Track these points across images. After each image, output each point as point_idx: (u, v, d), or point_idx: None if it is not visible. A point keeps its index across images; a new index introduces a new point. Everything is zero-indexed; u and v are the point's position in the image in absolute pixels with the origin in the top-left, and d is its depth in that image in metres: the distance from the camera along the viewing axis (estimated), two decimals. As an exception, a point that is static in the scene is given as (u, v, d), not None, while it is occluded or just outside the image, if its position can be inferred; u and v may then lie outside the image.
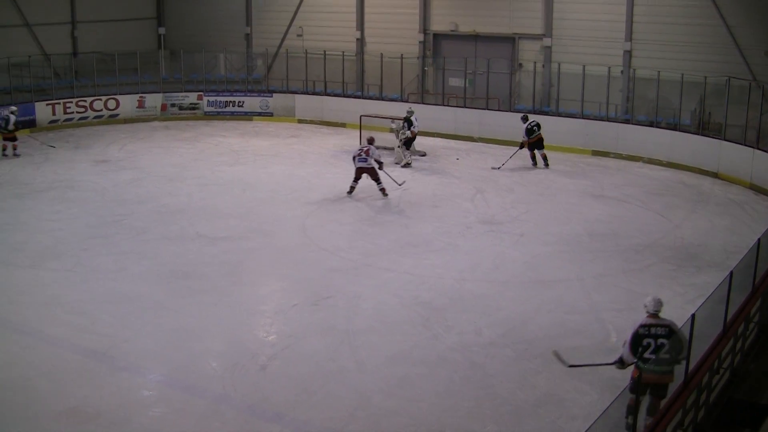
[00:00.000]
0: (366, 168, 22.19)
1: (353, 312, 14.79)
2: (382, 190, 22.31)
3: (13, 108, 28.05)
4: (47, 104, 32.42)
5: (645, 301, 10.35)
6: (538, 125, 26.08)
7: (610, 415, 9.06)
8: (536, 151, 26.30)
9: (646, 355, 9.92)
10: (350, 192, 22.52)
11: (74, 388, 12.02)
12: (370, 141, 22.99)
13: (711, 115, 27.12)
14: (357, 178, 22.42)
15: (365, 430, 10.91)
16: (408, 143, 26.91)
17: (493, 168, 25.82)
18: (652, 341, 10.01)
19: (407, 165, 26.44)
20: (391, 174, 22.99)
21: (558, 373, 12.38)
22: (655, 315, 10.20)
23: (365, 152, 22.22)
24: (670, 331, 10.08)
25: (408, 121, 26.80)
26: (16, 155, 27.03)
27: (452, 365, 12.78)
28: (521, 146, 26.09)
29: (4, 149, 27.12)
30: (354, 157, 22.37)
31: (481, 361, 12.93)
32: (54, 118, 32.47)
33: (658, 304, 10.29)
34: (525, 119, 26.37)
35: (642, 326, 10.14)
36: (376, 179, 22.27)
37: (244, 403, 11.65)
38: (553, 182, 24.48)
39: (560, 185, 24.04)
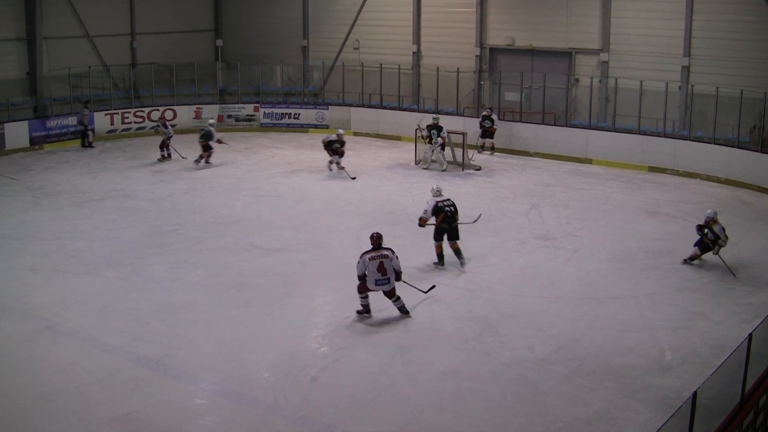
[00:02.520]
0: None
1: (406, 325, 14.78)
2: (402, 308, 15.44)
3: (212, 120, 29.68)
4: (105, 114, 33.00)
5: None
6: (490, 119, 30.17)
7: (664, 435, 8.94)
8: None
9: None
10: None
11: (127, 395, 12.14)
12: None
13: (771, 131, 26.73)
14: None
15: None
16: (443, 147, 27.92)
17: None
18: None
19: (445, 170, 27.61)
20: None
21: (611, 391, 12.29)
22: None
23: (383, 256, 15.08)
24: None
25: (437, 128, 27.76)
26: (208, 164, 28.28)
27: (504, 381, 12.69)
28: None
29: (201, 158, 28.32)
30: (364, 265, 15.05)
31: (533, 377, 12.83)
32: (112, 127, 33.02)
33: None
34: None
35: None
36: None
37: (295, 415, 11.67)
38: (609, 198, 24.25)
39: (616, 201, 23.82)
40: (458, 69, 32.87)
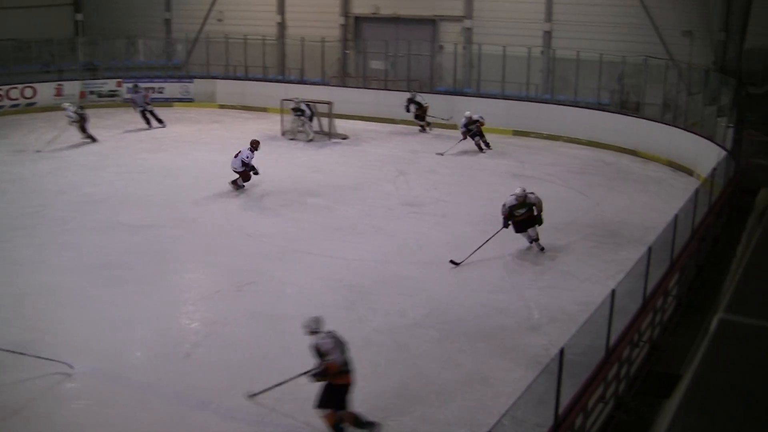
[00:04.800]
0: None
1: (278, 297, 14.78)
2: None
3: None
4: (-40, 93, 31.78)
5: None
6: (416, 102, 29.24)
7: (535, 391, 9.20)
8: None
9: None
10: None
11: (-6, 382, 11.83)
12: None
13: (629, 94, 27.64)
14: None
15: (293, 415, 10.88)
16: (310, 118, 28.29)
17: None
18: None
19: (312, 140, 28.02)
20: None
21: (483, 352, 12.56)
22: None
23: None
24: None
25: (300, 111, 28.09)
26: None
27: (378, 347, 12.85)
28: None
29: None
30: None
31: (406, 342, 13.01)
32: (-32, 107, 31.87)
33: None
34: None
35: None
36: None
37: (171, 392, 11.56)
38: (475, 163, 24.69)
39: (482, 165, 24.26)
40: (323, 39, 32.89)
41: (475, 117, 25.98)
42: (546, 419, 9.15)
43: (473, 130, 26.01)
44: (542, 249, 17.13)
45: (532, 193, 17.03)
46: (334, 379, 10.30)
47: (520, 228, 17.13)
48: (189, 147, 26.96)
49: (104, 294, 14.91)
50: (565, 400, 9.42)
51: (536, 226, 17.07)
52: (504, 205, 17.03)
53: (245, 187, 21.49)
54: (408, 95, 29.27)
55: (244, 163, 21.27)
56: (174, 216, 19.44)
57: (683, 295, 14.42)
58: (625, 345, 10.99)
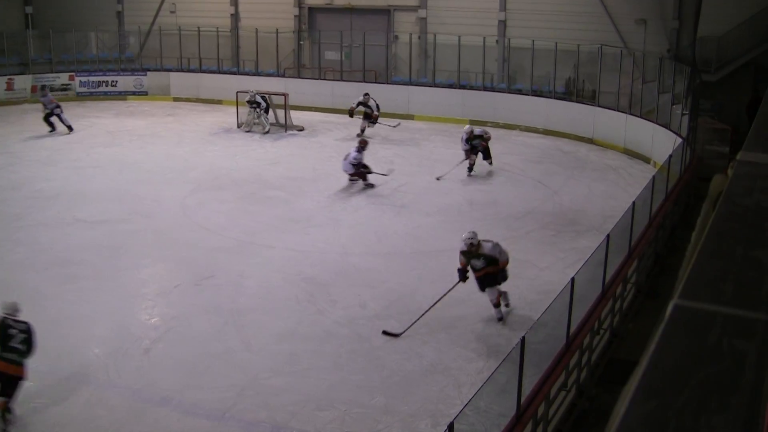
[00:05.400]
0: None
1: (237, 291, 14.67)
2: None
3: None
4: None
5: None
6: (368, 105, 26.96)
7: (497, 380, 9.22)
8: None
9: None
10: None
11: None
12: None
13: (585, 82, 27.78)
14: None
15: (254, 409, 10.82)
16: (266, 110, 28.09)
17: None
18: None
19: (268, 132, 27.74)
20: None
21: (444, 342, 12.56)
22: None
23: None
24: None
25: (255, 103, 27.86)
26: None
27: (339, 339, 12.81)
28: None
29: None
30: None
31: (367, 333, 12.97)
32: None
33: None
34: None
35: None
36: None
37: (130, 389, 11.43)
38: (432, 153, 24.70)
39: (439, 156, 24.26)
40: (277, 30, 32.68)
41: (477, 131, 22.15)
42: (508, 408, 9.19)
43: (477, 146, 22.06)
44: (500, 319, 13.39)
45: (489, 241, 13.33)
46: None
47: (480, 285, 13.40)
48: (144, 141, 26.70)
49: (61, 291, 14.69)
50: (527, 389, 9.46)
51: (498, 284, 13.32)
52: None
53: (374, 185, 21.04)
54: (360, 99, 27.27)
55: (353, 165, 20.82)
56: (130, 211, 19.22)
57: (642, 282, 14.55)
58: (586, 333, 11.06)
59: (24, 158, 24.38)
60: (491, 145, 22.34)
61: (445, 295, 13.25)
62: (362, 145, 21.17)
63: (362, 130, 26.81)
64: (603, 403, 10.54)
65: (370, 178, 20.92)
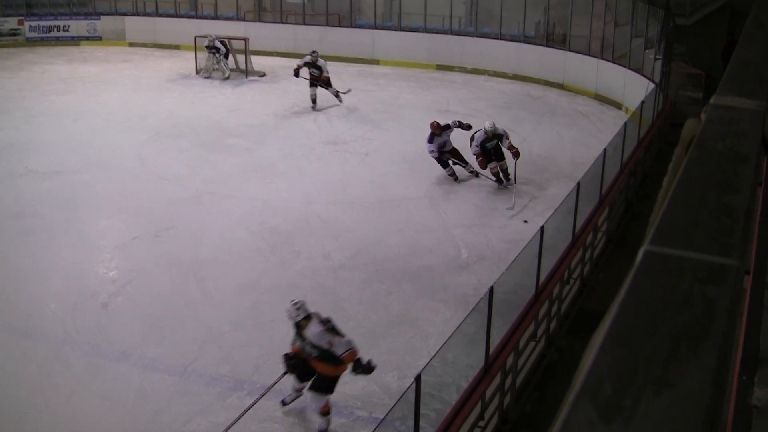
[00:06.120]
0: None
1: (197, 242, 14.31)
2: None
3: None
4: None
5: None
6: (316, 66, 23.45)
7: (464, 332, 9.03)
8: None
9: None
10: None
11: None
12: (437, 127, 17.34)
13: (555, 26, 27.44)
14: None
15: (216, 364, 10.56)
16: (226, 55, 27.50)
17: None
18: None
19: (228, 78, 27.23)
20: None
21: (410, 293, 12.37)
22: None
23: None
24: None
25: (215, 48, 27.29)
26: None
27: (303, 291, 12.47)
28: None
29: None
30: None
31: (331, 285, 12.73)
32: None
33: None
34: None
35: None
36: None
37: (88, 345, 11.11)
38: (398, 99, 24.36)
39: (405, 102, 23.94)
40: (237, -28, 32.02)
41: (499, 130, 17.01)
42: (477, 360, 9.06)
43: (491, 150, 16.95)
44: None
45: (325, 322, 11.03)
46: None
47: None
48: (98, 88, 26.07)
49: (14, 245, 14.28)
50: (496, 339, 9.31)
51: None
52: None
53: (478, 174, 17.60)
54: (307, 58, 23.54)
55: (432, 152, 17.32)
56: (85, 161, 18.71)
57: (613, 230, 14.42)
58: (555, 283, 10.93)
59: (-28, 108, 23.71)
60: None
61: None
62: (434, 129, 17.26)
63: (313, 100, 23.68)
64: (573, 353, 10.38)
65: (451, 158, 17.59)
